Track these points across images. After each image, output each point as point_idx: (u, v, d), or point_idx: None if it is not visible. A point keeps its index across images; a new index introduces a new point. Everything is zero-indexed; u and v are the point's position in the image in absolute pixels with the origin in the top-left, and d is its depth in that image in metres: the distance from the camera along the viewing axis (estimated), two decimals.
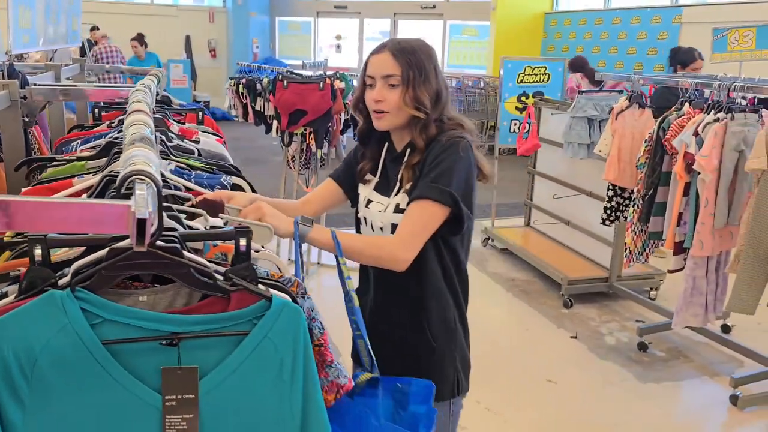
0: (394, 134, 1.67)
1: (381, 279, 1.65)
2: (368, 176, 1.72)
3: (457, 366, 1.69)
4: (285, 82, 4.00)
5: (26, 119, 1.79)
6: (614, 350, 3.86)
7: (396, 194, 1.62)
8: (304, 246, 4.90)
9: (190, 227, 1.12)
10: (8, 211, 0.82)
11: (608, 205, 3.87)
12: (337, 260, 1.41)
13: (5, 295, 0.96)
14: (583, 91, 4.20)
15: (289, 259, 4.35)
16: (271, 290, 1.01)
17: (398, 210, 1.60)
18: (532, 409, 3.24)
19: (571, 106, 4.23)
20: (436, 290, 1.62)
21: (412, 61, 1.56)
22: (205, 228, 1.20)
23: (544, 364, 3.68)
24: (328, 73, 4.25)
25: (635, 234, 3.50)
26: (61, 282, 0.94)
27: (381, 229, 1.63)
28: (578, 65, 7.28)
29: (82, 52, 11.18)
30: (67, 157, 1.65)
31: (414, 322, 1.64)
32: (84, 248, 1.04)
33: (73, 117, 3.21)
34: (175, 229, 1.02)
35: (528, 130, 5.07)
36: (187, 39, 13.30)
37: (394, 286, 1.62)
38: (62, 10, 2.84)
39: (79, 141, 1.90)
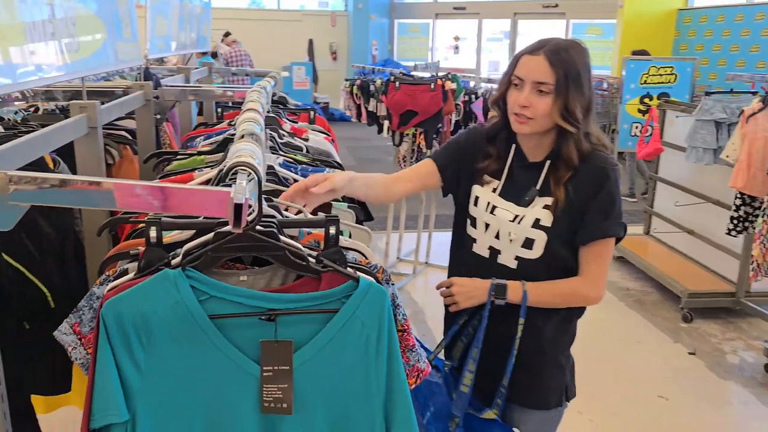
0: (526, 140, 1.58)
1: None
2: (487, 177, 1.63)
3: (570, 371, 1.69)
4: (397, 83, 4.09)
5: (158, 116, 1.99)
6: (736, 370, 3.58)
7: (534, 206, 1.55)
8: (411, 245, 4.87)
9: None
10: (164, 192, 0.95)
11: (735, 215, 3.61)
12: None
13: (126, 271, 1.09)
14: (711, 93, 3.93)
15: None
16: (359, 273, 1.07)
17: (537, 225, 1.53)
18: (638, 424, 3.09)
19: (697, 108, 3.97)
20: None
21: (569, 69, 1.46)
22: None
23: (656, 379, 3.50)
24: (440, 74, 4.28)
25: (764, 246, 3.24)
26: (173, 262, 1.06)
27: (511, 241, 1.57)
28: None
29: (214, 56, 12.01)
30: (190, 152, 1.82)
31: (545, 330, 1.62)
32: (194, 231, 1.15)
33: (202, 116, 3.49)
34: (273, 217, 1.10)
35: (650, 134, 4.83)
36: (310, 42, 13.86)
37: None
38: (194, 18, 3.11)
39: (202, 137, 2.08)
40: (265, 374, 1.03)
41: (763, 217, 3.23)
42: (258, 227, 1.03)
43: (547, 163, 1.54)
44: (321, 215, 1.38)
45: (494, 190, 1.61)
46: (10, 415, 1.49)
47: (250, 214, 1.01)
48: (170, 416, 1.03)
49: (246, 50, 11.00)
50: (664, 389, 3.37)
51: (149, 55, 2.36)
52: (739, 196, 3.57)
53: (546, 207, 1.53)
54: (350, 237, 1.37)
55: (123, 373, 1.01)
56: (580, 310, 1.67)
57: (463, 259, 1.69)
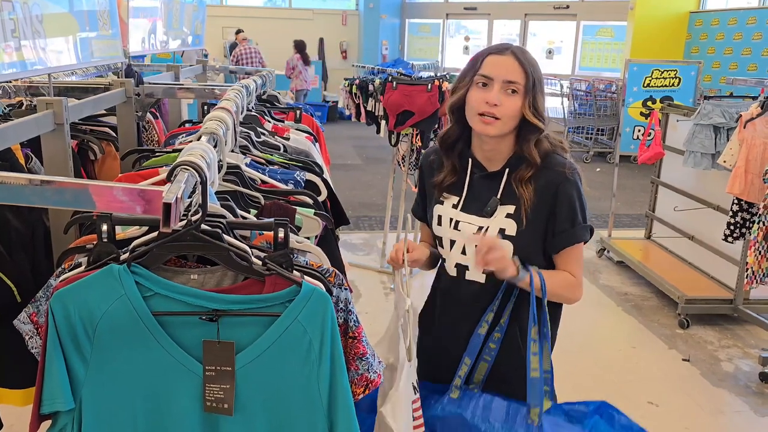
0: (483, 150, 1.55)
1: (521, 300, 1.57)
2: (446, 194, 1.60)
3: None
4: (394, 83, 4.09)
5: (138, 113, 2.01)
6: (731, 378, 3.54)
7: (496, 216, 1.52)
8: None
9: (244, 217, 1.21)
10: (92, 190, 0.94)
11: (732, 221, 3.57)
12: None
13: (80, 265, 1.10)
14: (710, 97, 3.89)
15: None
16: (306, 277, 1.07)
17: (503, 236, 1.51)
18: None
19: (696, 112, 3.93)
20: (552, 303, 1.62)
21: (535, 69, 1.48)
22: None
23: (648, 384, 3.46)
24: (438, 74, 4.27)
25: (759, 254, 3.19)
26: (123, 257, 1.06)
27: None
28: (301, 47, 10.62)
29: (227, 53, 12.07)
30: (168, 149, 1.82)
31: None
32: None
33: None
34: (224, 217, 1.10)
35: (651, 137, 4.78)
36: (321, 41, 13.87)
37: (527, 305, 1.54)
38: (185, 17, 3.12)
39: (184, 134, 2.08)
40: (207, 374, 1.03)
41: (758, 223, 3.19)
42: (204, 226, 1.04)
43: (506, 171, 1.53)
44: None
45: (455, 206, 1.58)
46: None
47: (195, 213, 1.01)
48: (114, 408, 1.04)
49: (257, 48, 11.03)
50: (655, 395, 3.34)
51: (130, 52, 2.38)
52: (736, 202, 3.53)
53: (508, 216, 1.52)
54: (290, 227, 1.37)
55: (69, 363, 1.03)
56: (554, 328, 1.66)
57: (436, 284, 1.70)
